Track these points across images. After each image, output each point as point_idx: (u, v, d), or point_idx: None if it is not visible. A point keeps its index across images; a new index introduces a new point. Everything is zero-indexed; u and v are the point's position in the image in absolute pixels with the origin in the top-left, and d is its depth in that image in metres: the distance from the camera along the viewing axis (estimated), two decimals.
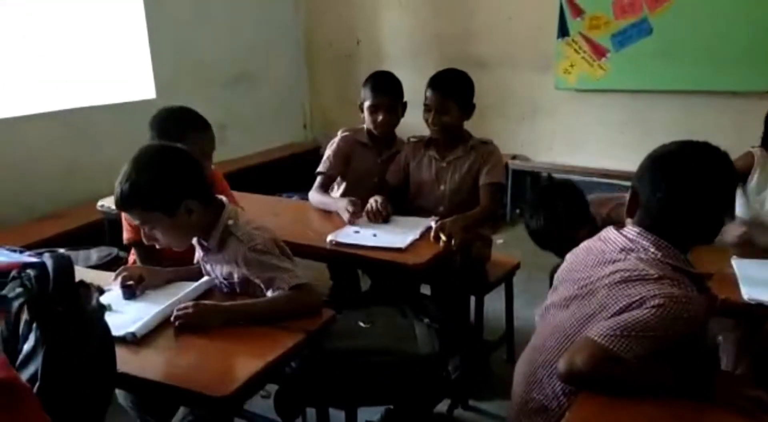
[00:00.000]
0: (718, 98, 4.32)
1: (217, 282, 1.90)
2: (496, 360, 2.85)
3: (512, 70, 4.97)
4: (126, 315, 1.69)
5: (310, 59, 5.79)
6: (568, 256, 1.68)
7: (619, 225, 1.58)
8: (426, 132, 2.72)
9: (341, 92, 5.59)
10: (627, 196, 1.57)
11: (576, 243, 1.69)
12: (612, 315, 1.41)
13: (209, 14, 4.71)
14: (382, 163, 2.86)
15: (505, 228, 4.73)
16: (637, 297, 1.39)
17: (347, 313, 2.03)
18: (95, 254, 3.06)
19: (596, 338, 1.37)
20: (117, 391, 1.86)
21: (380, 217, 2.47)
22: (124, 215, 1.99)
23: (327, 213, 2.68)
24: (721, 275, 1.80)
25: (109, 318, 1.43)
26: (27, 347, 1.24)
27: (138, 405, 2.04)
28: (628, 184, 1.62)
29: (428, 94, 2.60)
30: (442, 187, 2.68)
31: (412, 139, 2.79)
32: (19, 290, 1.29)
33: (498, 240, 4.23)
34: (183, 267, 1.99)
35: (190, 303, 1.71)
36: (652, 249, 1.46)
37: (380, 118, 2.75)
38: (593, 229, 1.75)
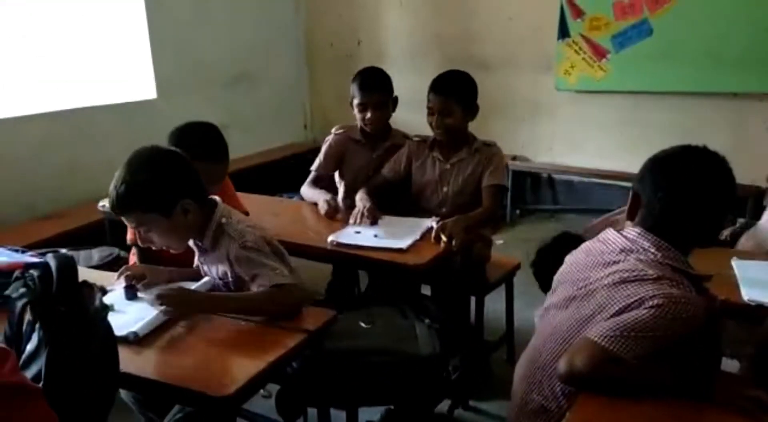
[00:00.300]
0: (718, 99, 4.33)
1: (216, 283, 1.91)
2: (496, 361, 2.86)
3: (512, 70, 4.98)
4: (128, 316, 1.70)
5: (311, 59, 5.80)
6: (568, 258, 1.68)
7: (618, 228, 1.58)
8: (429, 132, 2.72)
9: (342, 92, 5.53)
10: (617, 211, 1.58)
11: None
12: (611, 316, 1.41)
13: (210, 14, 4.72)
14: (377, 157, 2.87)
15: (506, 229, 4.74)
16: (636, 298, 1.40)
17: (348, 314, 2.03)
18: (96, 254, 3.07)
19: (596, 339, 1.37)
20: None
21: (365, 222, 2.49)
22: None
23: None
24: (721, 276, 1.80)
25: (112, 318, 1.44)
26: (30, 347, 1.25)
27: (140, 401, 2.05)
28: (627, 184, 1.62)
29: (430, 97, 2.60)
30: (445, 189, 2.69)
31: (415, 138, 2.79)
32: (22, 290, 1.30)
33: (498, 240, 4.24)
34: (184, 269, 2.00)
35: (176, 286, 1.77)
36: (652, 250, 1.47)
37: (369, 115, 2.76)
38: None
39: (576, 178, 5.01)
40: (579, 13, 4.57)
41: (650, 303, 1.37)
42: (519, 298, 2.87)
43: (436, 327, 2.05)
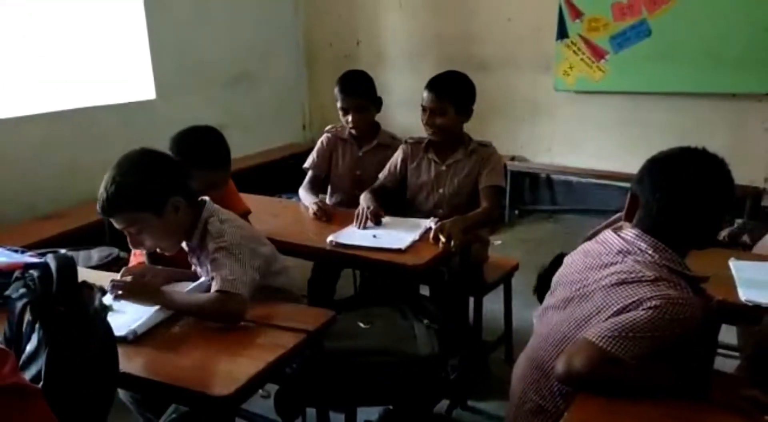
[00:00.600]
0: (716, 100, 4.34)
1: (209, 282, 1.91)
2: (494, 361, 2.86)
3: (511, 71, 4.99)
4: (127, 315, 1.70)
5: (310, 60, 5.80)
6: (566, 259, 1.69)
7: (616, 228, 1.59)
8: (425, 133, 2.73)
9: None
10: (613, 218, 1.58)
11: None
12: (609, 317, 1.41)
13: (209, 15, 4.72)
14: (363, 155, 2.93)
15: (504, 230, 4.74)
16: (634, 299, 1.40)
17: (347, 314, 2.04)
18: (96, 254, 3.06)
19: (594, 339, 1.38)
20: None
21: (366, 224, 2.49)
22: None
23: None
24: (718, 277, 1.81)
25: (111, 318, 1.44)
26: (30, 347, 1.26)
27: (138, 401, 2.05)
28: (625, 185, 1.63)
29: (425, 95, 2.62)
30: (441, 190, 2.69)
31: (409, 140, 2.80)
32: (22, 290, 1.30)
33: (496, 241, 4.25)
34: (186, 270, 2.00)
35: (137, 273, 1.87)
36: (650, 252, 1.47)
37: (351, 118, 2.85)
38: None
39: (574, 179, 5.01)
40: (578, 13, 4.58)
41: (648, 304, 1.38)
42: (517, 298, 2.88)
43: (434, 328, 2.05)
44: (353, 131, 2.90)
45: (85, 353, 1.27)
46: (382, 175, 2.80)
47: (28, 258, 1.92)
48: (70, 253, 1.51)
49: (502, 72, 4.99)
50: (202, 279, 1.91)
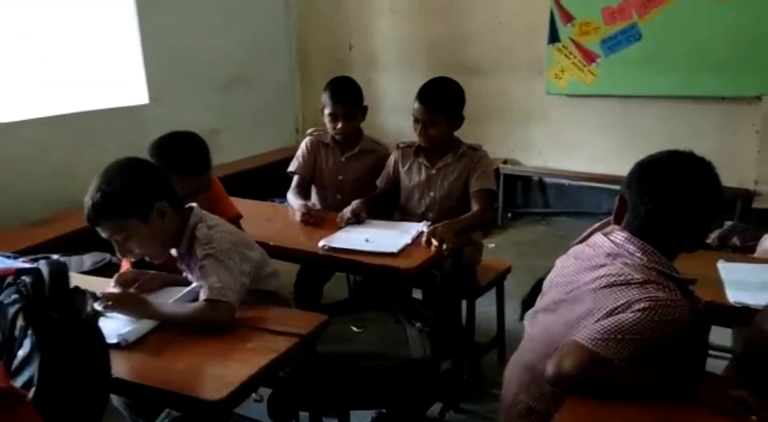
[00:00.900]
0: (706, 103, 4.38)
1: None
2: (487, 363, 2.87)
3: (503, 75, 5.01)
4: (119, 321, 1.70)
5: (303, 64, 5.80)
6: (558, 262, 1.70)
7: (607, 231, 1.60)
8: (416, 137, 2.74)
9: None
10: (604, 220, 1.60)
11: None
12: (599, 319, 1.43)
13: (202, 19, 4.72)
14: (346, 160, 2.94)
15: (497, 233, 4.76)
16: (623, 301, 1.41)
17: (340, 318, 2.04)
18: (88, 260, 3.05)
19: (583, 342, 1.39)
20: None
21: (349, 222, 2.54)
22: None
23: None
24: (707, 279, 1.83)
25: (102, 324, 1.44)
26: (22, 353, 1.26)
27: (131, 407, 2.05)
28: (617, 187, 1.64)
29: (416, 106, 2.63)
30: (432, 193, 2.71)
31: (401, 145, 2.82)
32: (14, 296, 1.30)
33: (489, 244, 4.27)
34: (177, 275, 2.00)
35: (130, 278, 1.89)
36: (638, 254, 1.49)
37: (339, 125, 2.85)
38: None
39: (566, 182, 5.04)
40: (569, 17, 4.61)
41: (637, 306, 1.39)
42: (510, 301, 2.89)
43: (427, 331, 2.06)
44: (337, 137, 2.90)
45: (77, 358, 1.27)
46: (379, 182, 2.83)
47: (20, 263, 1.90)
48: (62, 259, 1.51)
49: (494, 76, 5.01)
50: (194, 284, 1.91)
